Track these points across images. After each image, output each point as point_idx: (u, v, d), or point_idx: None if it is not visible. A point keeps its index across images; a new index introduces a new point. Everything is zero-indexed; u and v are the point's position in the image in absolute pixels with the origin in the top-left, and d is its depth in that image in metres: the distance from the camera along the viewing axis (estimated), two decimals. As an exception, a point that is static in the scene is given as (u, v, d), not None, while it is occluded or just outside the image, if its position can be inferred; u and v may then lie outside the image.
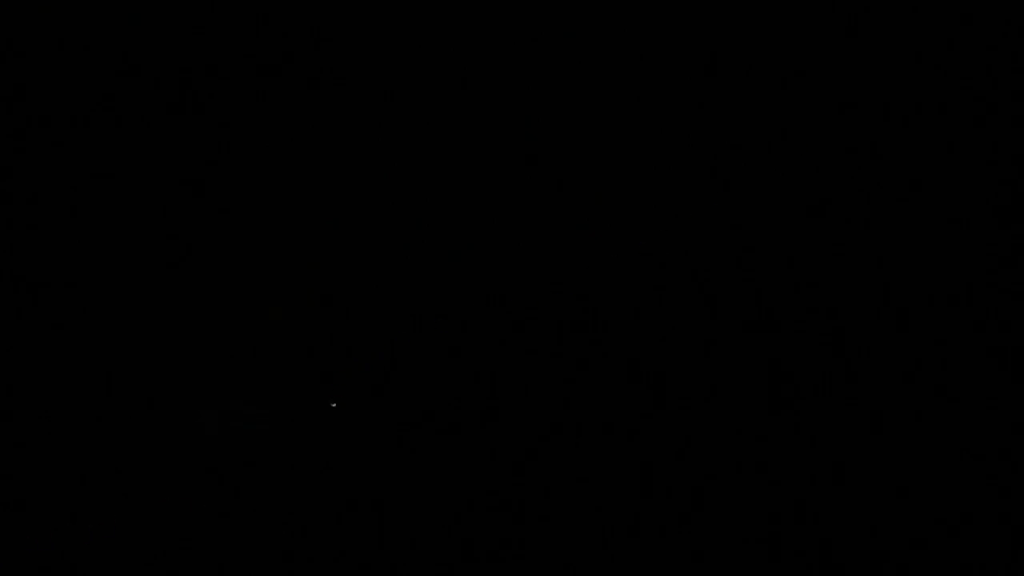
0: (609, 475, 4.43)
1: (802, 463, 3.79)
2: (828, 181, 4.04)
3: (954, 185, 4.06)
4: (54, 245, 3.33)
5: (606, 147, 4.32)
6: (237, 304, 3.68)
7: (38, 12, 3.36)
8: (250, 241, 3.73)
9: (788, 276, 4.09)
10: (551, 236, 4.34)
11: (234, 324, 3.66)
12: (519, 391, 4.18)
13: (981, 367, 3.88)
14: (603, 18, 4.19)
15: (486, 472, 4.04)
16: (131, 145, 3.51)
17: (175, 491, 3.46)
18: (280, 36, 3.84)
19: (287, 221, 3.83)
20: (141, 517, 3.38)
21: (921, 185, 4.01)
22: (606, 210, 4.30)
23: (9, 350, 3.27)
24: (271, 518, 3.61)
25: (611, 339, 4.43)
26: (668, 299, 4.36)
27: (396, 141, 4.13)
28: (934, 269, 4.03)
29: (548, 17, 4.20)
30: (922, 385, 3.80)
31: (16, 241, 3.29)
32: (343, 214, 3.95)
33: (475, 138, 4.29)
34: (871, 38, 4.57)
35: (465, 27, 4.09)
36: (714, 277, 4.22)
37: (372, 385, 3.89)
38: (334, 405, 3.69)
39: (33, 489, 3.26)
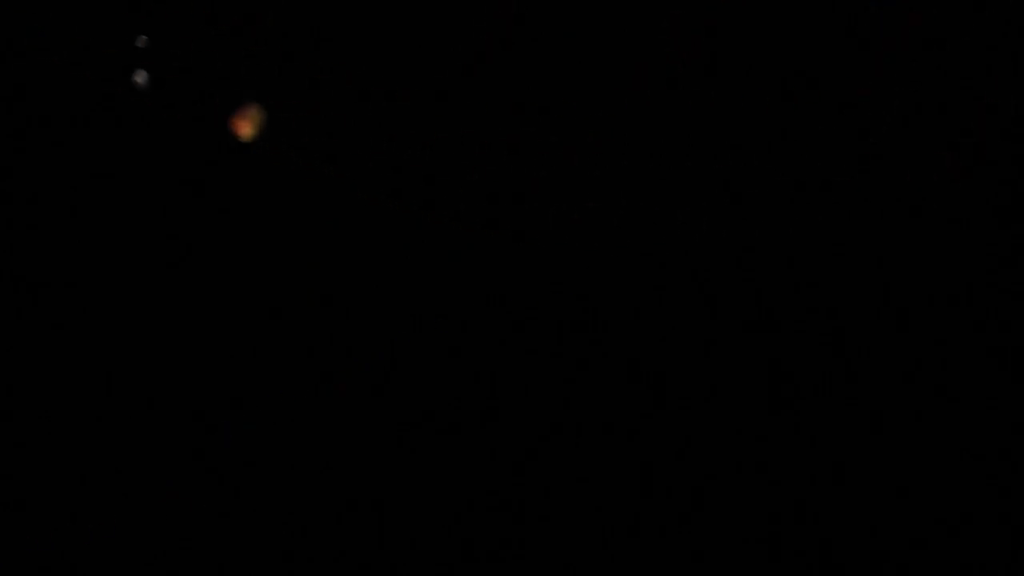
0: (609, 475, 4.43)
1: (802, 463, 3.81)
2: (827, 180, 4.06)
3: (954, 185, 4.09)
4: (54, 245, 3.32)
5: (606, 146, 4.34)
6: (237, 304, 3.66)
7: (38, 12, 3.36)
8: (250, 241, 3.70)
9: (788, 276, 4.11)
10: (550, 236, 4.33)
11: (233, 324, 3.64)
12: (519, 391, 4.18)
13: (981, 367, 3.90)
14: (598, 12, 4.21)
15: (486, 472, 4.02)
16: (131, 145, 3.49)
17: (175, 491, 3.44)
18: (280, 36, 3.83)
19: (286, 221, 3.80)
20: (141, 517, 3.36)
21: (920, 185, 4.04)
22: (605, 209, 4.32)
23: (9, 350, 3.27)
24: (271, 518, 3.59)
25: (611, 339, 4.45)
26: (668, 299, 4.38)
27: (395, 139, 4.09)
28: (934, 269, 4.06)
29: (542, 14, 4.22)
30: (922, 385, 3.82)
31: (16, 241, 3.29)
32: (342, 214, 3.92)
33: (473, 136, 4.26)
34: (870, 36, 4.60)
35: (458, 25, 4.11)
36: (714, 277, 4.25)
37: (372, 385, 3.86)
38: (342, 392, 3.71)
39: (33, 489, 3.25)
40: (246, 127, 3.67)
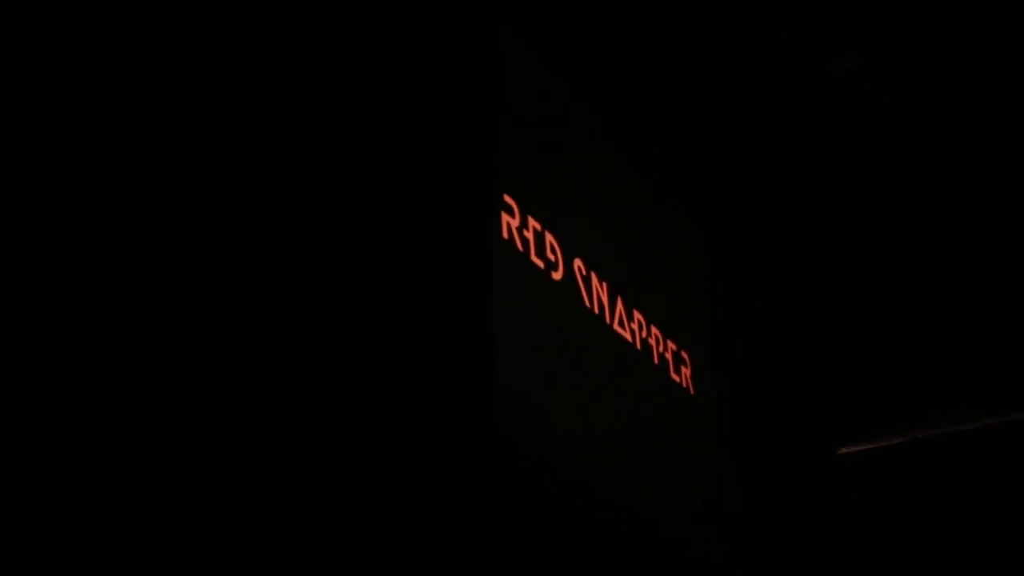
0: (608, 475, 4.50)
1: None
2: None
3: None
4: (54, 245, 3.24)
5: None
6: (236, 305, 3.61)
7: (37, 12, 3.32)
8: (249, 242, 3.68)
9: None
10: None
11: (233, 325, 3.58)
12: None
13: None
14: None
15: (486, 471, 4.04)
16: (130, 146, 3.47)
17: (175, 491, 3.35)
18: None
19: (287, 222, 3.78)
20: (141, 517, 3.27)
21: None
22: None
23: (9, 350, 3.11)
24: (271, 518, 3.53)
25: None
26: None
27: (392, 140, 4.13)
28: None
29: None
30: None
31: (16, 241, 3.17)
32: (340, 216, 3.92)
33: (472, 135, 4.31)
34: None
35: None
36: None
37: (370, 385, 3.85)
38: None
39: (33, 489, 3.10)
40: None
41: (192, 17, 3.63)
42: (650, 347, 5.40)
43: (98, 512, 3.22)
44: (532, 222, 4.63)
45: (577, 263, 4.93)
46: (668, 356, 5.54)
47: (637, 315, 5.33)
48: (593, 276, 5.03)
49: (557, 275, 4.74)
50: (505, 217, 4.44)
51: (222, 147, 3.66)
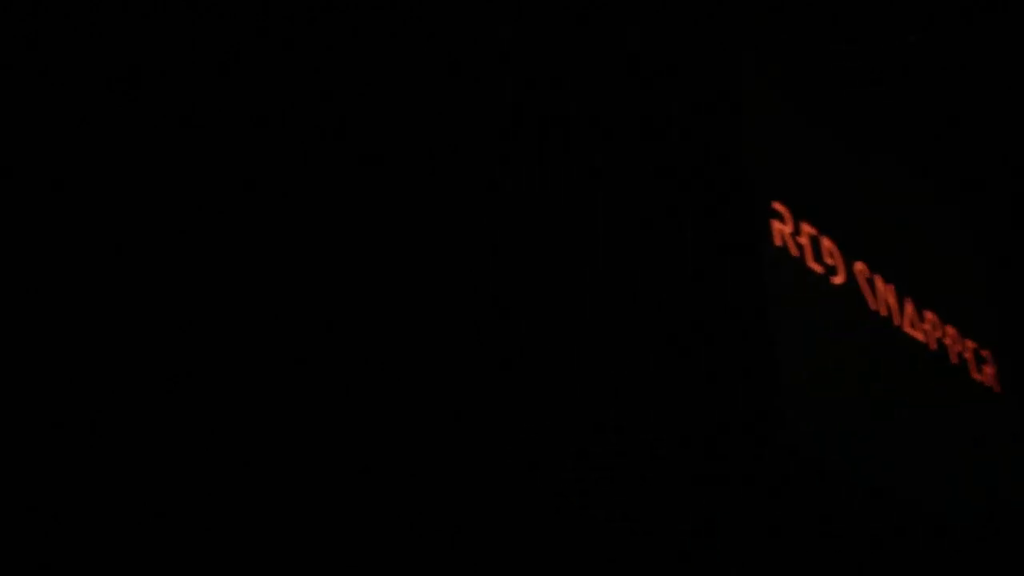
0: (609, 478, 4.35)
1: None
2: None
3: None
4: (54, 245, 3.26)
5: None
6: (236, 306, 3.62)
7: (37, 12, 3.35)
8: (248, 243, 3.69)
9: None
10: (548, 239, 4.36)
11: (233, 326, 3.59)
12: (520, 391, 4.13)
13: None
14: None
15: (488, 472, 4.01)
16: (130, 146, 3.49)
17: (175, 491, 3.35)
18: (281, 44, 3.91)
19: (287, 222, 3.80)
20: (141, 517, 3.28)
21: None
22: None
23: (9, 350, 3.14)
24: (270, 518, 3.52)
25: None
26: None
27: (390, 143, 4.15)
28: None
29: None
30: None
31: (16, 241, 3.20)
32: (339, 217, 3.92)
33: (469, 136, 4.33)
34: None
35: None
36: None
37: (371, 385, 3.84)
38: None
39: (33, 489, 3.11)
40: None
41: (192, 17, 3.67)
42: (946, 347, 5.32)
43: (98, 512, 3.22)
44: (806, 228, 4.65)
45: (859, 266, 4.93)
46: (968, 355, 5.46)
47: (929, 315, 5.29)
48: (877, 279, 5.02)
49: (837, 280, 4.77)
50: (776, 224, 4.47)
51: (222, 147, 3.68)
